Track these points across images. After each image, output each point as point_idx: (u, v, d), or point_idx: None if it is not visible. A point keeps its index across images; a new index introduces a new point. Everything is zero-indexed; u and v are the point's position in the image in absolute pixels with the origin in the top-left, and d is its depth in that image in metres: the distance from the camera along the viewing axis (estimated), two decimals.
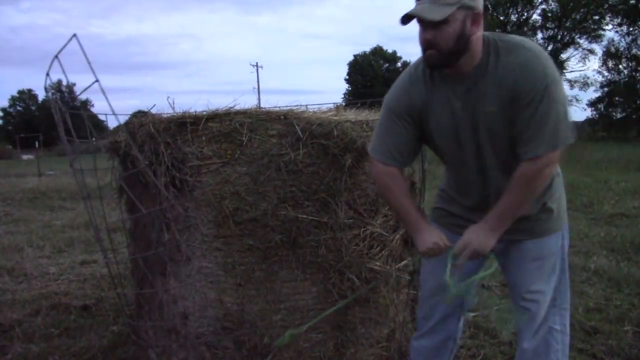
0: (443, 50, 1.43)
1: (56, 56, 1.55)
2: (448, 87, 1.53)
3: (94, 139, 1.97)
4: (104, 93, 1.50)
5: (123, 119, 2.32)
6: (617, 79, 33.52)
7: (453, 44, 1.41)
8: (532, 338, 1.69)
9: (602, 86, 34.05)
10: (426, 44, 1.45)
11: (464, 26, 1.40)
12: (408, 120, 1.59)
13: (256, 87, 39.80)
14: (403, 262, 2.15)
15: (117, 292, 2.53)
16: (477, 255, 1.55)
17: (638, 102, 31.96)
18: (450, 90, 1.52)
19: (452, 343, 1.86)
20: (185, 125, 1.92)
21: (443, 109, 1.55)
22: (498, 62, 1.45)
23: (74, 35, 1.36)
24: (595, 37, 33.55)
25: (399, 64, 52.58)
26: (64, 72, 1.54)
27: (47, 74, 1.70)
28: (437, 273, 1.66)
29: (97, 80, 1.37)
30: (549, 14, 34.11)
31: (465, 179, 1.67)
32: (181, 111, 2.04)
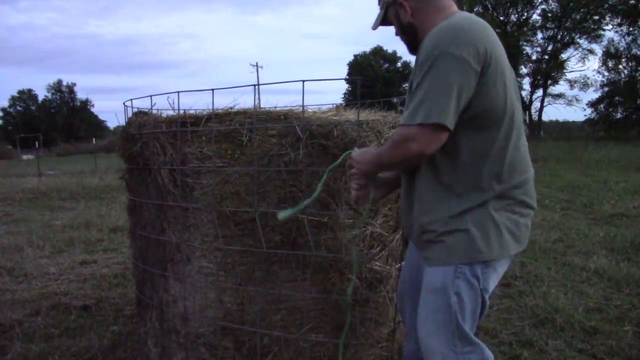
0: (404, 40, 1.54)
1: None
2: None
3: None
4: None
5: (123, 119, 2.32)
6: (617, 79, 33.55)
7: (403, 36, 1.52)
8: None
9: (602, 86, 34.10)
10: None
11: (399, 18, 1.49)
12: None
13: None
14: (403, 262, 2.14)
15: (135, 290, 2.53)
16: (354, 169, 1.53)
17: (638, 102, 31.97)
18: None
19: None
20: (186, 126, 1.92)
21: None
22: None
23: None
24: (595, 37, 33.58)
25: (399, 64, 52.58)
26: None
27: None
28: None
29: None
30: (549, 14, 34.13)
31: None
32: (181, 111, 2.04)
